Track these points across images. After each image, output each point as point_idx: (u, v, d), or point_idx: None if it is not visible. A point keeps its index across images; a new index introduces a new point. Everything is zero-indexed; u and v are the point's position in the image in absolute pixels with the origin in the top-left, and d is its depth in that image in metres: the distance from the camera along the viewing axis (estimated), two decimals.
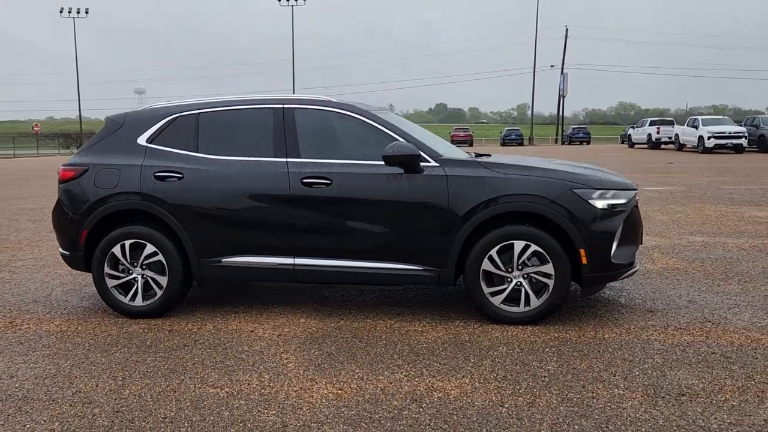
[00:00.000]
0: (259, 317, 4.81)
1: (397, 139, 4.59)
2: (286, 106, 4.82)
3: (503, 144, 53.98)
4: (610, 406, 3.19)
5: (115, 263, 4.83)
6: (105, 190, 4.82)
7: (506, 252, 4.45)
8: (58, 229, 5.05)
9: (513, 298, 4.49)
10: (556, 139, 61.38)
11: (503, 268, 4.47)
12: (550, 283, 4.42)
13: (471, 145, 54.33)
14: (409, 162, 4.47)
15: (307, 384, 3.54)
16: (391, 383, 3.52)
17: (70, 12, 57.04)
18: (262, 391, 3.46)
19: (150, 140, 4.92)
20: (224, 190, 4.71)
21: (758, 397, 3.27)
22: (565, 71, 60.59)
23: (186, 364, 3.87)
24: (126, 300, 4.84)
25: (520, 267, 4.45)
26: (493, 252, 4.44)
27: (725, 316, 4.64)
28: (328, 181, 4.58)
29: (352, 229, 4.60)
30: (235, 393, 3.43)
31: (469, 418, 3.09)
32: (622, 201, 4.53)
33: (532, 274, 4.45)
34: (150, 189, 4.76)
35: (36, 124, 67.30)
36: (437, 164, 4.55)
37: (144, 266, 4.81)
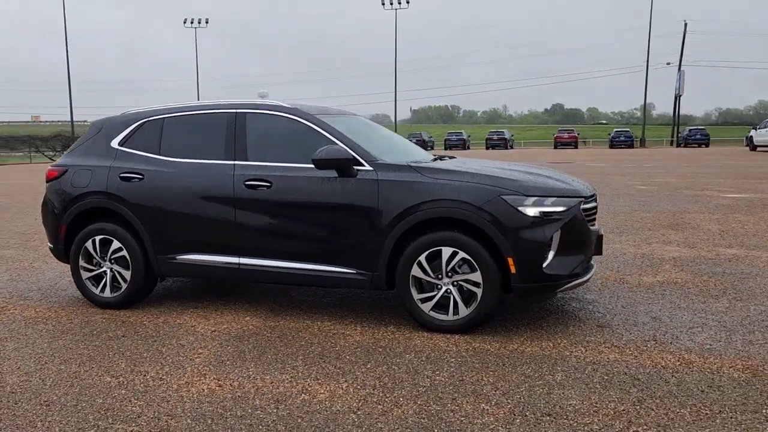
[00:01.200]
0: (211, 313, 5.03)
1: (335, 143, 4.64)
2: (239, 110, 5.01)
3: (611, 146, 51.55)
4: (461, 421, 3.09)
5: (88, 257, 5.23)
6: (79, 189, 5.23)
7: (436, 258, 4.37)
8: (44, 224, 5.54)
9: (443, 306, 4.40)
10: (672, 141, 57.77)
11: (432, 275, 4.39)
12: (479, 291, 4.29)
13: (576, 147, 52.40)
14: (340, 166, 4.51)
15: (195, 379, 3.68)
16: (271, 383, 3.60)
17: (192, 22, 61.11)
18: (150, 383, 3.64)
19: (121, 143, 5.28)
20: (178, 190, 4.96)
21: (627, 422, 3.04)
22: (682, 69, 56.86)
23: (107, 353, 4.14)
24: (97, 291, 5.23)
25: (449, 274, 4.36)
26: (422, 258, 4.38)
27: (678, 336, 4.29)
28: (268, 184, 4.71)
29: (290, 230, 4.71)
30: (124, 383, 3.65)
31: (311, 423, 3.10)
32: (559, 209, 4.31)
33: (461, 282, 4.34)
34: (115, 189, 5.12)
35: None
36: (371, 168, 4.55)
37: (112, 260, 5.17)
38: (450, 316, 4.38)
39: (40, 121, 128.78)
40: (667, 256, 6.83)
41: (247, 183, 4.76)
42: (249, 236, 4.81)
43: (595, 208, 4.80)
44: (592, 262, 4.90)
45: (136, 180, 5.08)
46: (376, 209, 4.47)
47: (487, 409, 3.21)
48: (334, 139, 4.68)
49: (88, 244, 5.21)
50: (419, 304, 4.44)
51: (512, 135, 59.68)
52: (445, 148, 55.99)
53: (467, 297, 4.34)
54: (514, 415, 3.14)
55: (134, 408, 3.30)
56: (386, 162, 4.60)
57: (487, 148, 55.03)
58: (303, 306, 5.20)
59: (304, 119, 4.83)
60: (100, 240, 5.18)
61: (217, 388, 3.56)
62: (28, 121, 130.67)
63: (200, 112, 5.16)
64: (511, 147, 56.75)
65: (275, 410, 3.25)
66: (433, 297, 4.41)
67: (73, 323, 4.85)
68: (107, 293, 5.20)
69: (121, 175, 5.12)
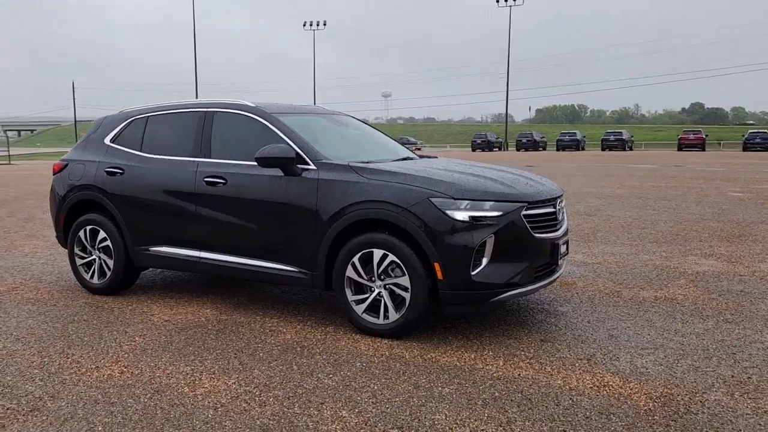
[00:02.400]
0: (179, 303, 5.24)
1: (284, 142, 4.67)
2: (209, 109, 5.18)
3: (745, 149, 47.35)
4: (307, 426, 3.02)
5: (82, 245, 5.63)
6: (74, 182, 5.65)
7: (371, 260, 4.29)
8: (51, 213, 6.02)
9: (376, 309, 4.31)
10: None
11: (365, 277, 4.31)
12: (407, 296, 4.16)
13: (702, 149, 48.71)
14: (282, 164, 4.53)
15: (106, 364, 3.87)
16: (167, 374, 3.70)
17: (311, 25, 63.41)
18: (65, 365, 3.87)
19: (112, 140, 5.63)
20: (151, 185, 5.22)
21: None
22: None
23: (56, 335, 4.44)
24: (87, 277, 5.62)
25: (381, 277, 4.27)
26: (356, 259, 4.31)
27: (620, 356, 3.92)
28: (224, 181, 4.84)
29: (241, 227, 4.80)
30: (43, 364, 3.89)
31: (167, 415, 3.17)
32: (493, 213, 4.07)
33: (391, 286, 4.23)
34: (101, 182, 5.47)
35: None
36: (314, 168, 4.54)
37: (99, 250, 5.53)
38: (381, 320, 4.28)
39: None
40: (693, 270, 6.24)
41: (206, 179, 4.91)
42: (207, 231, 4.96)
43: (553, 213, 4.48)
44: (557, 268, 4.60)
45: (118, 174, 5.39)
46: (314, 209, 4.45)
47: (344, 416, 3.12)
48: (285, 138, 4.71)
49: (81, 234, 5.60)
50: (353, 305, 4.37)
51: (631, 136, 56.49)
52: (557, 149, 54.11)
53: (399, 302, 4.22)
54: (366, 425, 3.03)
55: (29, 387, 3.53)
56: (329, 162, 4.56)
57: (603, 149, 52.50)
58: (266, 302, 5.28)
59: (262, 118, 4.90)
60: (90, 230, 5.55)
61: (117, 374, 3.71)
62: None
63: (178, 111, 5.38)
64: (630, 149, 53.74)
65: (147, 400, 3.34)
66: (366, 299, 4.33)
67: (57, 306, 5.24)
68: (95, 280, 5.56)
69: (106, 169, 5.46)
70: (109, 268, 5.48)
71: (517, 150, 56.49)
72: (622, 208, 11.36)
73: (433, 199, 4.08)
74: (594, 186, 15.99)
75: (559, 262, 4.55)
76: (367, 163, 4.61)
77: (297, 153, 4.58)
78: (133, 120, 5.61)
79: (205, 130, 5.11)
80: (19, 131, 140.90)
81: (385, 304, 4.26)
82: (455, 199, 4.08)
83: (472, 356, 3.95)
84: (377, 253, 4.23)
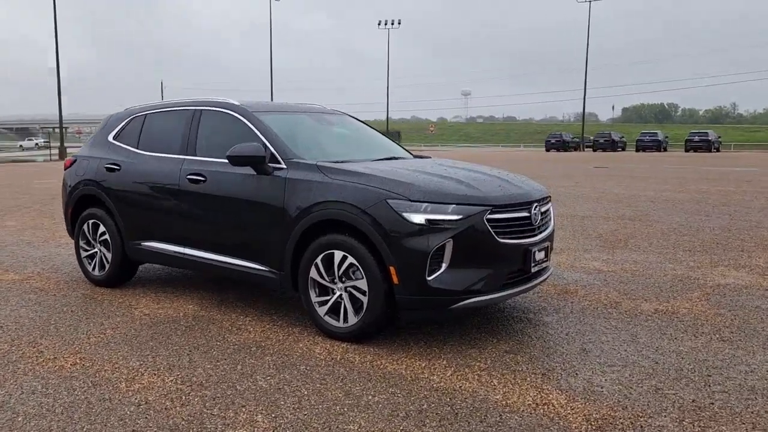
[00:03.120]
0: (167, 298, 5.34)
1: (261, 140, 4.66)
2: (197, 108, 5.24)
3: None
4: (213, 427, 2.98)
5: (86, 238, 5.84)
6: (79, 177, 5.86)
7: (333, 262, 4.21)
8: (62, 206, 6.27)
9: (337, 311, 4.23)
10: None
11: (327, 278, 4.24)
12: (365, 300, 4.05)
13: None
14: (253, 163, 4.52)
15: (64, 356, 3.96)
16: (112, 368, 3.75)
17: (386, 24, 63.63)
18: (26, 354, 4.00)
19: (114, 137, 5.80)
20: (141, 181, 5.34)
21: None
22: None
23: (36, 325, 4.61)
24: (90, 269, 5.82)
25: (342, 279, 4.18)
26: (319, 260, 4.24)
27: (579, 373, 3.66)
28: (204, 179, 4.88)
29: (219, 224, 4.83)
30: (9, 351, 4.05)
31: (87, 409, 3.20)
32: (452, 217, 3.89)
33: (351, 288, 4.14)
34: (100, 178, 5.65)
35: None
36: (285, 167, 4.50)
37: (100, 243, 5.72)
38: (341, 323, 4.19)
39: None
40: (714, 283, 5.78)
41: (188, 177, 4.97)
42: (190, 228, 5.02)
43: (528, 218, 4.24)
44: (540, 275, 4.38)
45: (116, 171, 5.55)
46: (282, 208, 4.41)
47: (257, 421, 3.05)
48: (261, 136, 4.69)
49: (85, 227, 5.81)
50: (317, 307, 4.31)
51: (719, 137, 53.39)
52: (637, 150, 51.94)
53: (359, 305, 4.12)
54: (274, 431, 2.95)
55: None
56: (298, 161, 4.50)
57: (687, 150, 49.90)
58: (250, 300, 5.29)
59: (242, 116, 4.90)
60: (92, 224, 5.75)
61: (68, 366, 3.80)
62: None
63: (172, 109, 5.48)
64: (717, 150, 50.83)
65: (80, 393, 3.40)
66: (328, 301, 4.26)
67: (56, 296, 5.45)
68: (96, 272, 5.76)
69: (106, 166, 5.63)
70: (108, 261, 5.65)
71: (594, 150, 54.57)
72: (671, 213, 10.73)
73: (389, 201, 3.95)
74: (654, 189, 15.19)
75: (534, 269, 4.30)
76: (338, 162, 4.52)
77: (270, 152, 4.55)
78: (134, 117, 5.75)
79: (192, 128, 5.17)
80: None
81: (345, 307, 4.16)
82: (411, 201, 3.93)
83: (423, 365, 3.80)
84: (338, 255, 4.14)
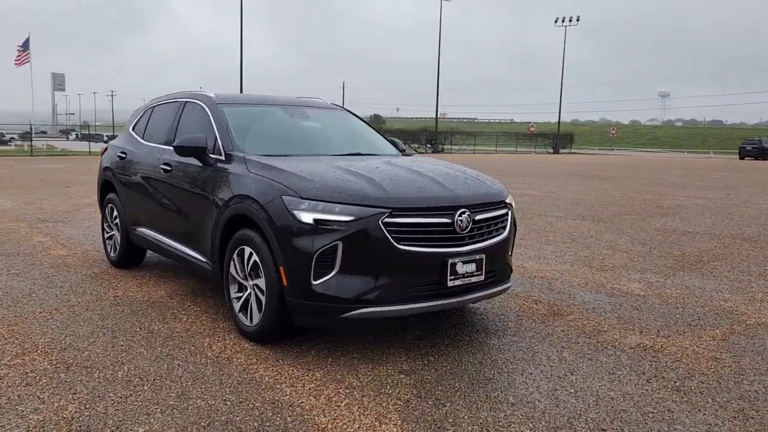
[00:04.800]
0: (154, 282, 5.56)
1: (213, 132, 4.65)
2: (183, 100, 5.37)
3: None
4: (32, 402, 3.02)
5: (108, 221, 6.28)
6: (103, 164, 6.31)
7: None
8: None
9: (247, 309, 4.10)
10: None
11: (241, 275, 4.12)
12: (264, 300, 3.87)
13: None
14: (194, 153, 4.53)
15: (8, 330, 4.26)
16: (25, 342, 3.96)
17: (563, 21, 60.85)
18: None
19: (132, 128, 6.16)
20: (136, 170, 5.60)
21: None
22: None
23: (15, 293, 5.02)
24: (109, 250, 6.26)
25: (251, 276, 4.03)
26: (235, 255, 4.13)
27: (425, 396, 3.17)
28: (170, 168, 4.99)
29: (177, 213, 4.92)
30: None
31: None
32: (341, 218, 3.55)
33: (255, 287, 3.98)
34: (113, 165, 6.03)
35: (532, 126, 74.11)
36: (223, 159, 4.44)
37: (114, 226, 6.11)
38: (248, 322, 4.05)
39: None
40: (757, 321, 4.73)
41: (161, 166, 5.12)
42: (161, 215, 5.18)
43: (449, 225, 3.74)
44: (471, 291, 3.88)
45: (123, 159, 5.89)
46: (212, 200, 4.37)
47: (54, 402, 3.03)
48: (214, 128, 4.68)
49: (106, 210, 6.25)
50: (234, 303, 4.20)
51: None
52: (740, 157, 45.86)
53: (261, 305, 3.95)
54: (61, 420, 2.92)
55: None
56: (233, 153, 4.41)
57: None
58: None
59: (207, 108, 4.92)
60: (110, 208, 6.16)
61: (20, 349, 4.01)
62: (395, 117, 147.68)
63: (169, 101, 5.67)
64: None
65: None
66: (239, 298, 4.14)
67: (68, 272, 5.89)
68: (112, 253, 6.16)
69: (118, 154, 6.00)
70: (119, 244, 6.01)
71: None
72: None
73: (284, 197, 3.72)
74: None
75: (454, 284, 3.77)
76: (268, 156, 4.33)
77: (216, 144, 4.53)
78: (147, 109, 6.06)
79: (176, 119, 5.32)
80: None
81: (251, 305, 4.01)
82: (302, 198, 3.66)
83: (298, 375, 3.53)
84: (246, 251, 4.00)
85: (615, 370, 3.68)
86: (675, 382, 3.53)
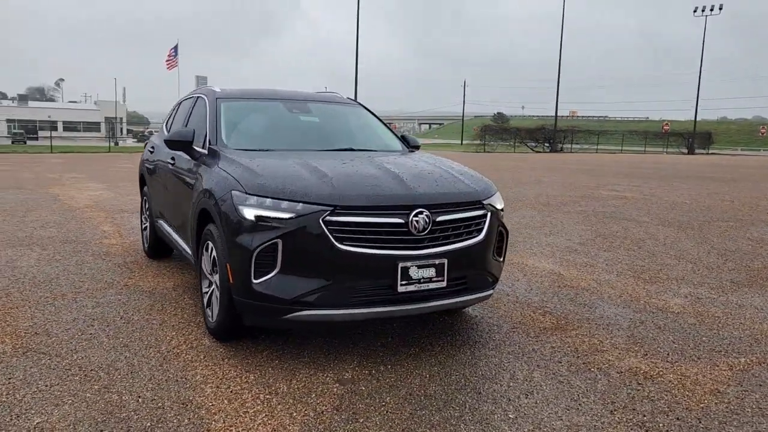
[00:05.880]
0: (170, 273, 5.68)
1: (205, 125, 4.66)
2: (197, 95, 5.44)
3: None
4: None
5: (144, 213, 6.53)
6: (142, 158, 6.56)
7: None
8: None
9: (211, 305, 4.05)
10: None
11: (207, 270, 4.08)
12: (219, 297, 3.80)
13: None
14: (180, 147, 4.56)
15: (6, 321, 4.50)
16: (10, 322, 4.18)
17: (703, 10, 56.21)
18: None
19: (166, 123, 6.35)
20: (157, 163, 5.76)
21: None
22: None
23: (42, 276, 5.33)
24: (144, 240, 6.51)
25: (214, 271, 3.98)
26: (204, 249, 4.10)
27: (349, 416, 2.92)
28: (173, 162, 5.07)
29: (176, 205, 4.98)
30: None
31: None
32: (282, 215, 3.38)
33: (215, 283, 3.92)
34: (146, 159, 6.25)
35: (666, 124, 69.48)
36: (206, 153, 4.43)
37: (146, 218, 6.34)
38: (211, 317, 4.00)
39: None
40: None
41: (168, 160, 5.21)
42: (169, 207, 5.28)
43: (403, 225, 3.46)
44: (410, 299, 3.58)
45: (152, 152, 6.08)
46: (192, 194, 4.37)
47: (49, 413, 3.12)
48: (207, 122, 4.70)
49: (143, 202, 6.50)
50: (204, 297, 4.17)
51: None
52: None
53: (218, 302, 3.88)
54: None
55: None
56: (213, 148, 4.37)
57: None
58: None
59: (207, 102, 4.95)
60: (144, 200, 6.40)
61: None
62: (518, 115, 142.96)
63: (190, 96, 5.77)
64: None
65: None
66: (207, 293, 4.10)
67: (105, 260, 6.18)
68: (146, 244, 6.40)
69: (149, 148, 6.21)
70: (149, 235, 6.23)
71: None
72: None
73: (233, 192, 3.62)
74: None
75: (407, 289, 3.47)
76: (250, 151, 4.26)
77: (206, 137, 4.53)
78: (177, 105, 6.21)
79: (189, 113, 5.40)
80: (429, 124, 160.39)
81: (212, 301, 3.96)
82: (247, 193, 3.53)
83: (231, 375, 3.41)
84: (210, 246, 3.95)
85: (581, 397, 3.23)
86: (643, 416, 3.03)
